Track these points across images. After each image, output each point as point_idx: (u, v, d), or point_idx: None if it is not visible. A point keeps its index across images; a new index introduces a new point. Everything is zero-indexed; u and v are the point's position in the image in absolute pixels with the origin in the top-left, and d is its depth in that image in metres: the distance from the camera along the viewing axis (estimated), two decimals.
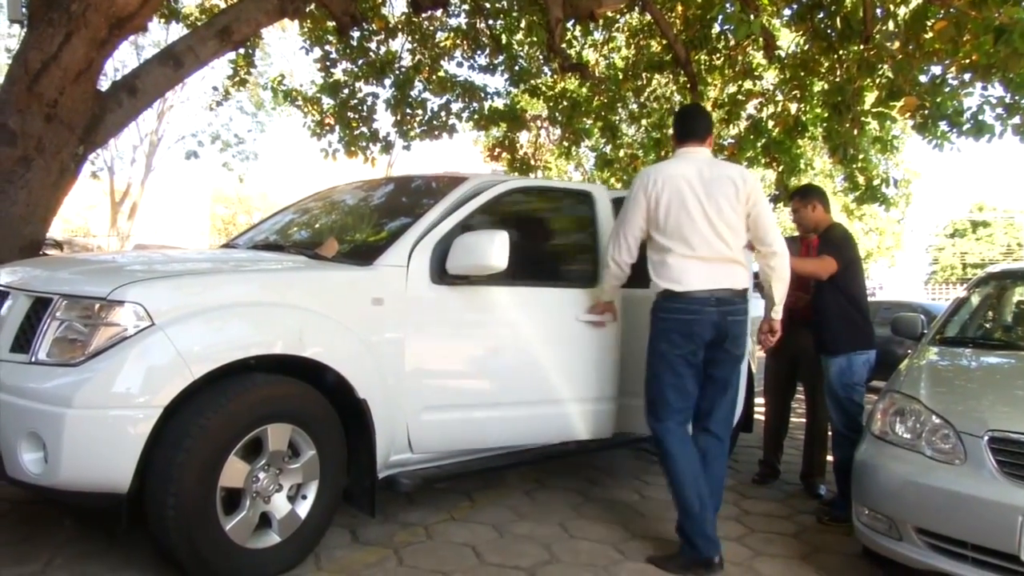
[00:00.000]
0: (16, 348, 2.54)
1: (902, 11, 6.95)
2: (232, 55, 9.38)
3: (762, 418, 5.19)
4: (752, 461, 5.13)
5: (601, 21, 8.80)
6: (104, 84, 4.98)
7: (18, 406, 2.35)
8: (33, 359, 2.43)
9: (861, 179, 7.59)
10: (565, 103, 9.62)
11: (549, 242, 4.12)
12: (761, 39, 7.96)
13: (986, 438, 2.73)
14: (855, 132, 7.64)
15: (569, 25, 8.91)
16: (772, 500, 4.34)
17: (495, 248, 3.02)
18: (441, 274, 3.12)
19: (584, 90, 10.02)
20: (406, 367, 3.04)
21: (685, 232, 3.12)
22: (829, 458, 4.54)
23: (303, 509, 2.78)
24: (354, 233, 3.70)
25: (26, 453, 2.31)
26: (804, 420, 4.72)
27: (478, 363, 3.39)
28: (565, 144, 11.22)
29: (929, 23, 6.61)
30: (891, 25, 6.83)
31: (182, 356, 2.38)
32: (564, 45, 9.18)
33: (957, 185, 57.28)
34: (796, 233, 4.89)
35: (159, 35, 19.06)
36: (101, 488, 2.34)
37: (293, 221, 4.10)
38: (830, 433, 4.35)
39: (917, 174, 18.93)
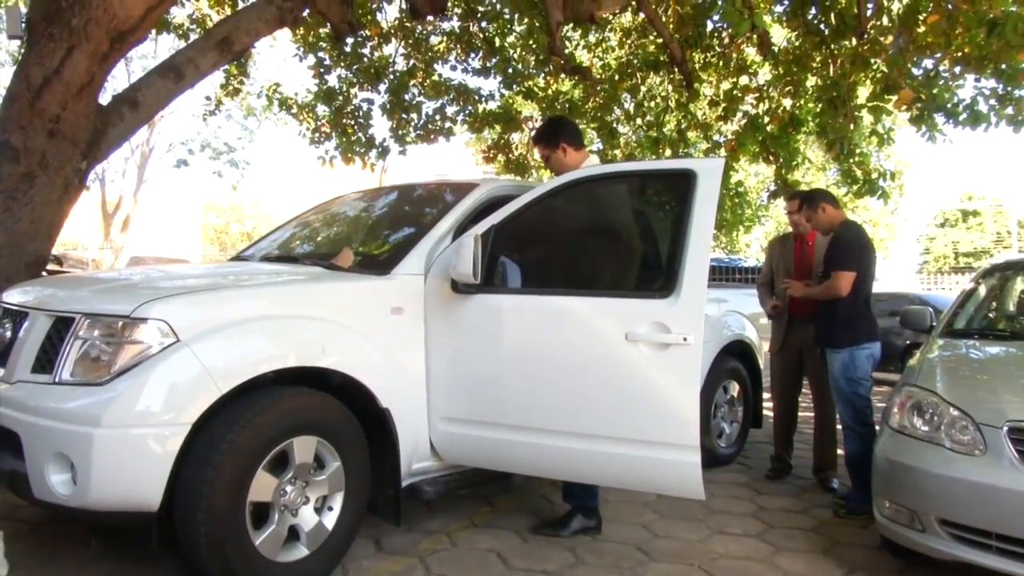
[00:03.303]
0: (38, 369, 2.53)
1: (895, 6, 6.99)
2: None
3: (770, 414, 5.24)
4: (763, 457, 5.14)
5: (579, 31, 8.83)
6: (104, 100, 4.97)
7: (44, 427, 2.34)
8: (57, 379, 2.42)
9: (859, 173, 7.61)
10: (560, 105, 9.63)
11: (602, 242, 3.35)
12: (755, 36, 8.02)
13: (1005, 428, 2.76)
14: (851, 127, 7.69)
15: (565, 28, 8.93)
16: (787, 495, 4.36)
17: (459, 256, 2.83)
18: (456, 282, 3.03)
19: (578, 92, 10.05)
20: (427, 376, 3.04)
21: None
22: (839, 451, 4.57)
23: (330, 520, 2.78)
24: (369, 242, 3.69)
25: (54, 475, 2.31)
26: (812, 414, 4.74)
27: (503, 381, 3.02)
28: None
29: (921, 17, 6.67)
30: (885, 20, 6.87)
31: (208, 372, 2.38)
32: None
33: (946, 175, 57.59)
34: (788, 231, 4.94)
35: (148, 48, 19.03)
36: (131, 507, 2.33)
37: (304, 232, 4.09)
38: (839, 427, 4.38)
39: (908, 164, 19.03)
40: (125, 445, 2.27)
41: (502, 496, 4.04)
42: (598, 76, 9.83)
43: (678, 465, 2.75)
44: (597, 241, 3.35)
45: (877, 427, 3.55)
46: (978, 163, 59.46)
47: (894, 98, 6.90)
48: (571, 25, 7.74)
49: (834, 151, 7.66)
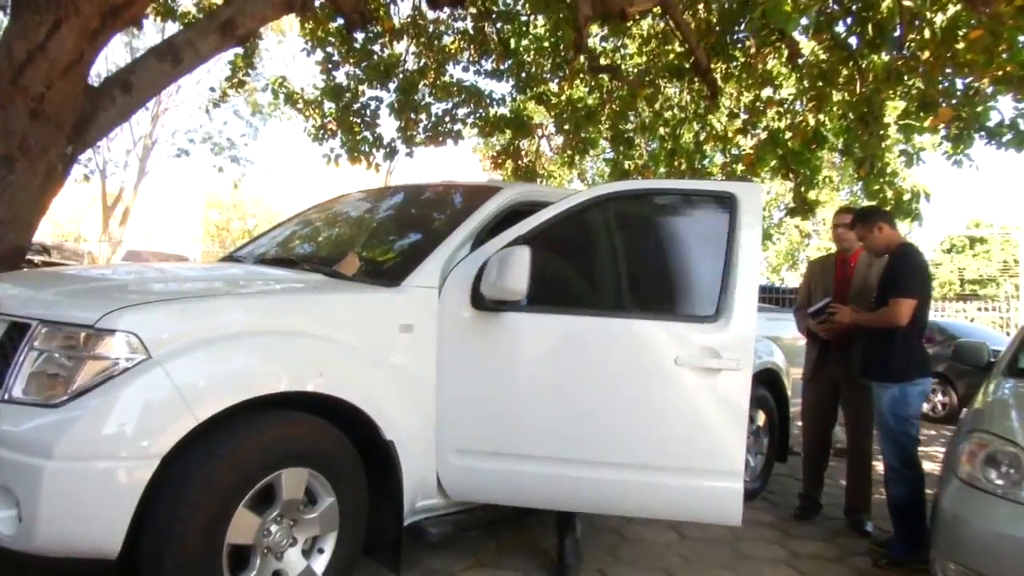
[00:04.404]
0: None
1: (939, 19, 6.64)
2: (231, 56, 9.08)
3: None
4: (789, 493, 4.78)
5: (607, 28, 8.49)
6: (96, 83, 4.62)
7: None
8: (6, 397, 2.05)
9: (890, 193, 7.25)
10: (576, 112, 9.30)
11: (643, 262, 3.18)
12: (784, 46, 7.72)
13: None
14: (882, 145, 7.37)
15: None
16: (819, 539, 3.99)
17: (510, 269, 2.54)
18: (480, 298, 2.69)
19: (592, 99, 9.73)
20: (438, 404, 2.68)
21: None
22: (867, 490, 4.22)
23: (319, 565, 2.43)
24: (377, 248, 3.33)
25: None
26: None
27: (526, 409, 2.76)
28: (569, 153, 10.91)
29: (961, 33, 6.35)
30: (927, 34, 6.52)
31: (183, 395, 2.01)
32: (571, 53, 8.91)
33: (954, 201, 57.24)
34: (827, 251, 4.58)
35: (155, 38, 18.72)
36: (86, 553, 1.97)
37: (305, 232, 3.73)
38: (879, 467, 4.02)
39: (925, 188, 18.66)
40: (80, 480, 1.91)
41: (509, 531, 3.67)
42: (615, 84, 9.51)
43: (722, 493, 2.73)
44: (638, 260, 3.14)
45: (935, 472, 3.20)
46: (985, 190, 59.20)
47: (930, 116, 6.58)
48: (603, 24, 7.38)
49: (863, 170, 7.33)
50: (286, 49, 31.22)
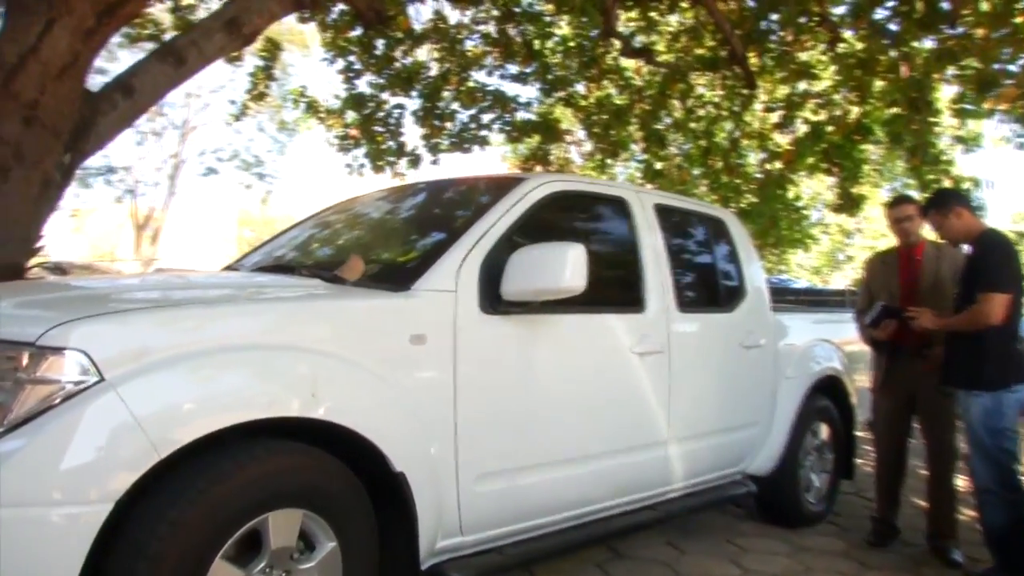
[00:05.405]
0: None
1: None
2: (251, 68, 8.91)
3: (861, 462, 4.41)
4: (859, 516, 4.30)
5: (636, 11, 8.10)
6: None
7: None
8: None
9: (947, 182, 6.73)
10: (604, 113, 8.92)
11: (608, 258, 3.30)
12: (825, 31, 7.28)
13: None
14: (934, 130, 6.86)
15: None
16: (901, 571, 3.51)
17: (571, 265, 2.35)
18: (494, 301, 2.42)
19: (620, 100, 9.35)
20: (456, 425, 2.30)
21: None
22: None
23: None
24: (386, 249, 2.98)
25: None
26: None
27: (549, 412, 2.67)
28: (598, 157, 10.52)
29: (1019, 6, 5.84)
30: (983, 7, 6.01)
31: (142, 426, 1.65)
32: (600, 52, 8.53)
33: (996, 193, 55.40)
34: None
35: None
36: None
37: (306, 237, 3.39)
38: (965, 488, 3.55)
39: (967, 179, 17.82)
40: (18, 531, 1.55)
41: (544, 563, 3.25)
42: (645, 82, 9.11)
43: (654, 462, 3.14)
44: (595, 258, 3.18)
45: None
46: None
47: (989, 98, 6.09)
48: (633, 6, 7.00)
49: (917, 158, 6.83)
50: (311, 64, 31.37)
